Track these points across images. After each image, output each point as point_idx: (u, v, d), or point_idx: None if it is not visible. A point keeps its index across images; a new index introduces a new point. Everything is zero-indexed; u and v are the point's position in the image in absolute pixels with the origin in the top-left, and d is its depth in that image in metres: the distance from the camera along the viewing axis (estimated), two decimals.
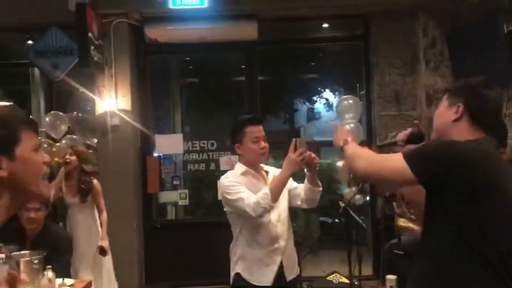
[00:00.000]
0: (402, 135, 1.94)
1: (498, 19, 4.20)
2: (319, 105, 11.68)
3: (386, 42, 5.29)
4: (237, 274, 2.50)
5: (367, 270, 5.31)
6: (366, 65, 5.54)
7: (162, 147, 5.34)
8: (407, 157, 1.61)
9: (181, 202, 5.49)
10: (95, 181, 4.11)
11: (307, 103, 11.67)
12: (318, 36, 6.03)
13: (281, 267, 2.48)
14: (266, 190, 2.33)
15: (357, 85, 6.00)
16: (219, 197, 2.97)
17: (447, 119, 1.71)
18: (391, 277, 3.92)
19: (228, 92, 8.11)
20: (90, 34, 4.45)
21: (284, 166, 2.36)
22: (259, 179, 2.51)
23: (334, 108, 10.42)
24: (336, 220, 7.06)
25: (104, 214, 4.11)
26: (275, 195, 2.32)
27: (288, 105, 10.19)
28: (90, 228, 4.14)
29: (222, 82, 7.93)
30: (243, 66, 5.78)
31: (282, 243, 2.50)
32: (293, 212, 7.34)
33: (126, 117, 5.04)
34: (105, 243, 4.03)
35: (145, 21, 5.15)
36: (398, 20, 5.25)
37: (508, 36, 4.13)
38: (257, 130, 2.50)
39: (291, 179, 2.51)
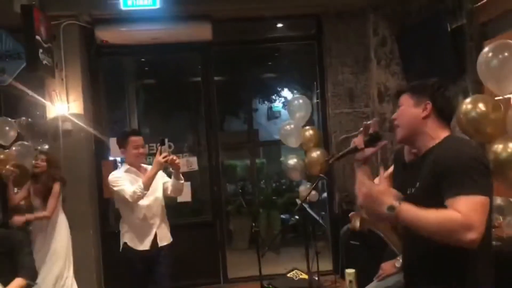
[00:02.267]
0: (359, 140, 1.90)
1: (443, 18, 4.38)
2: (279, 104, 11.76)
3: (338, 42, 5.40)
4: (125, 243, 3.41)
5: (328, 266, 5.42)
6: (319, 65, 5.64)
7: (117, 150, 5.22)
8: (482, 190, 1.56)
9: None
10: (56, 184, 4.13)
11: (266, 102, 11.73)
12: (273, 36, 6.07)
13: (155, 236, 3.42)
14: (140, 183, 3.23)
15: (315, 83, 6.11)
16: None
17: (417, 116, 1.80)
18: (350, 271, 4.02)
19: (185, 93, 8.03)
20: (38, 37, 4.31)
21: (152, 166, 3.29)
22: (139, 175, 3.39)
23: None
24: (297, 217, 7.18)
25: (45, 213, 4.08)
26: (146, 186, 3.23)
27: (247, 104, 10.20)
28: (53, 230, 4.14)
29: (179, 83, 7.85)
30: (199, 67, 5.74)
31: (156, 219, 3.44)
32: (253, 211, 7.32)
33: (78, 122, 4.92)
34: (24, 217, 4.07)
35: (96, 22, 5.04)
36: (350, 20, 5.37)
37: (452, 34, 4.32)
38: (137, 140, 3.42)
39: (164, 175, 3.54)
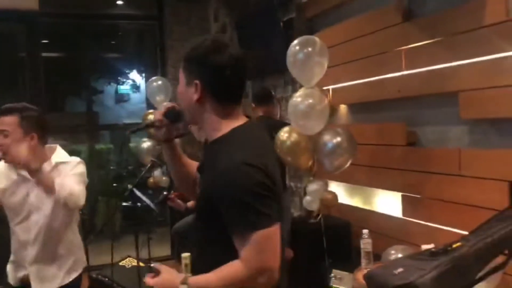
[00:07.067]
0: (158, 114, 1.54)
1: (276, 10, 4.58)
2: (127, 87, 11.26)
3: (180, 25, 5.33)
4: (6, 272, 2.29)
5: (167, 251, 5.40)
6: (161, 47, 5.50)
7: None
8: (264, 221, 1.25)
9: None
10: None
11: (112, 84, 11.12)
12: (112, 12, 5.73)
13: (27, 276, 2.13)
14: None
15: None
16: None
17: (190, 100, 1.37)
18: (185, 254, 3.98)
19: (15, 68, 7.14)
20: None
21: None
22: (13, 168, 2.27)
23: (141, 90, 10.19)
24: (139, 204, 6.94)
25: None
26: None
27: (89, 85, 9.50)
28: None
29: (7, 57, 6.94)
30: (25, 40, 5.13)
31: (32, 250, 2.12)
32: (91, 199, 6.90)
33: None
34: None
35: None
36: (191, 3, 5.33)
37: (284, 26, 4.55)
38: None
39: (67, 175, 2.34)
